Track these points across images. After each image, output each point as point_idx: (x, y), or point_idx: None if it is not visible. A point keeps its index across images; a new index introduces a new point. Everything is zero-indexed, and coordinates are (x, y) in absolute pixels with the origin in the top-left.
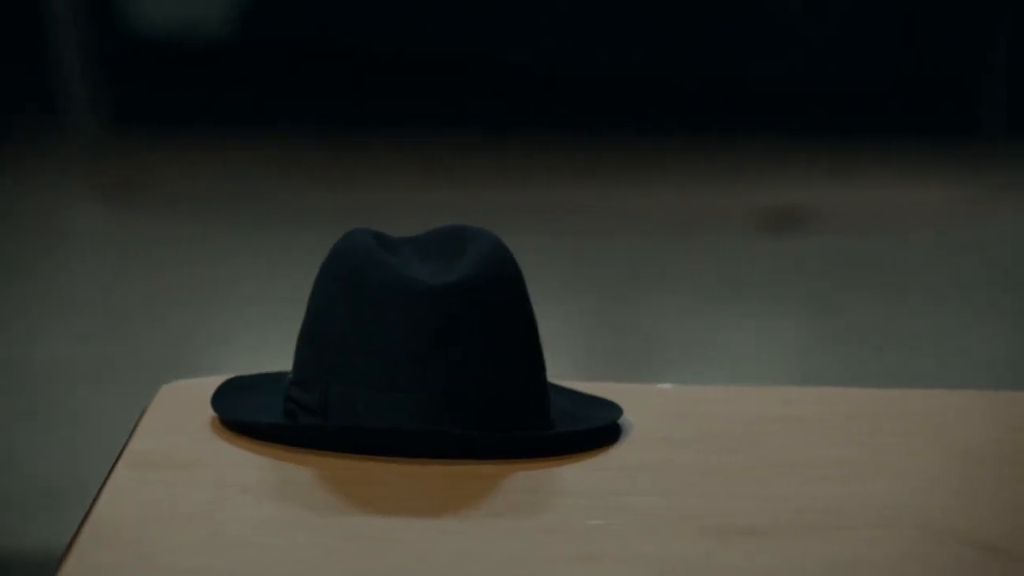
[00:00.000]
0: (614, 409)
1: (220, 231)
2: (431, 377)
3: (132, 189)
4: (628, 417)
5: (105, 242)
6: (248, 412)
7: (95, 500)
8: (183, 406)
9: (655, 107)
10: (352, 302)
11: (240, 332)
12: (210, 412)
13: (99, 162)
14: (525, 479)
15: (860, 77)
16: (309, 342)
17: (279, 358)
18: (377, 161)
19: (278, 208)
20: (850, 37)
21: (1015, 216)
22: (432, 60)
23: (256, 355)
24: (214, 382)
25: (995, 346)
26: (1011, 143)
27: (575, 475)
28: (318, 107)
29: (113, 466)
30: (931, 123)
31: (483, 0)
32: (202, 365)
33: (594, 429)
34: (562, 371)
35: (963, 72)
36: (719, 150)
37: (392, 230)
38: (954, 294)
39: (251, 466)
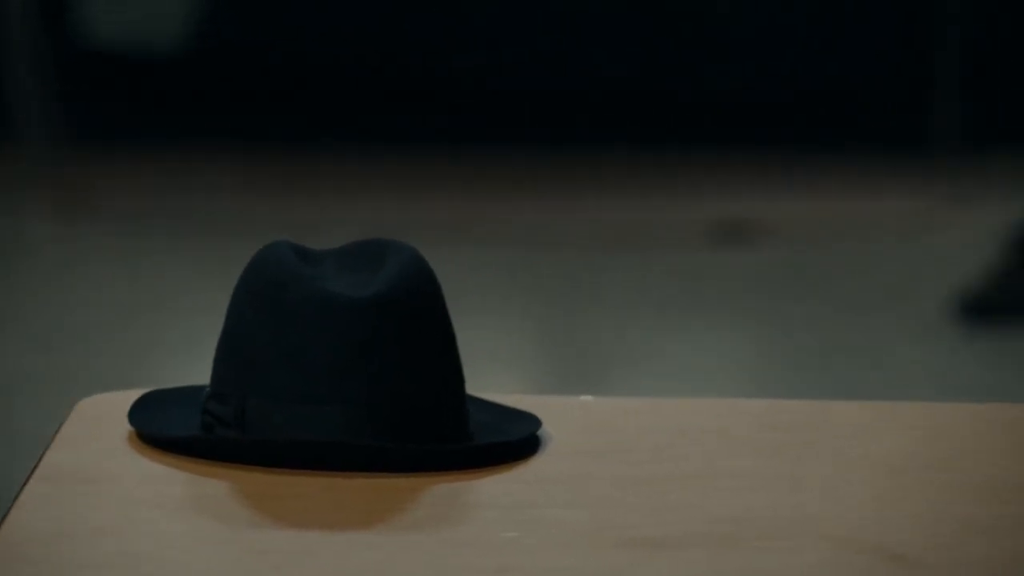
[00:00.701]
0: (533, 422)
1: (174, 244)
2: (348, 390)
3: (84, 202)
4: (547, 429)
5: (56, 255)
6: (165, 425)
7: (5, 515)
8: (100, 419)
9: (605, 119)
10: (270, 314)
11: (194, 345)
12: (127, 425)
13: (50, 174)
14: (441, 492)
15: (811, 88)
16: (227, 355)
17: None
18: (331, 175)
19: (232, 221)
20: (802, 49)
21: (967, 228)
22: (385, 74)
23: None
24: (133, 395)
25: (949, 358)
26: (964, 155)
27: (491, 488)
28: (274, 121)
29: (26, 480)
30: (883, 135)
31: (435, 15)
32: (152, 377)
33: (512, 441)
34: (509, 384)
35: (915, 84)
36: (670, 162)
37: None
38: (906, 306)
39: (166, 480)
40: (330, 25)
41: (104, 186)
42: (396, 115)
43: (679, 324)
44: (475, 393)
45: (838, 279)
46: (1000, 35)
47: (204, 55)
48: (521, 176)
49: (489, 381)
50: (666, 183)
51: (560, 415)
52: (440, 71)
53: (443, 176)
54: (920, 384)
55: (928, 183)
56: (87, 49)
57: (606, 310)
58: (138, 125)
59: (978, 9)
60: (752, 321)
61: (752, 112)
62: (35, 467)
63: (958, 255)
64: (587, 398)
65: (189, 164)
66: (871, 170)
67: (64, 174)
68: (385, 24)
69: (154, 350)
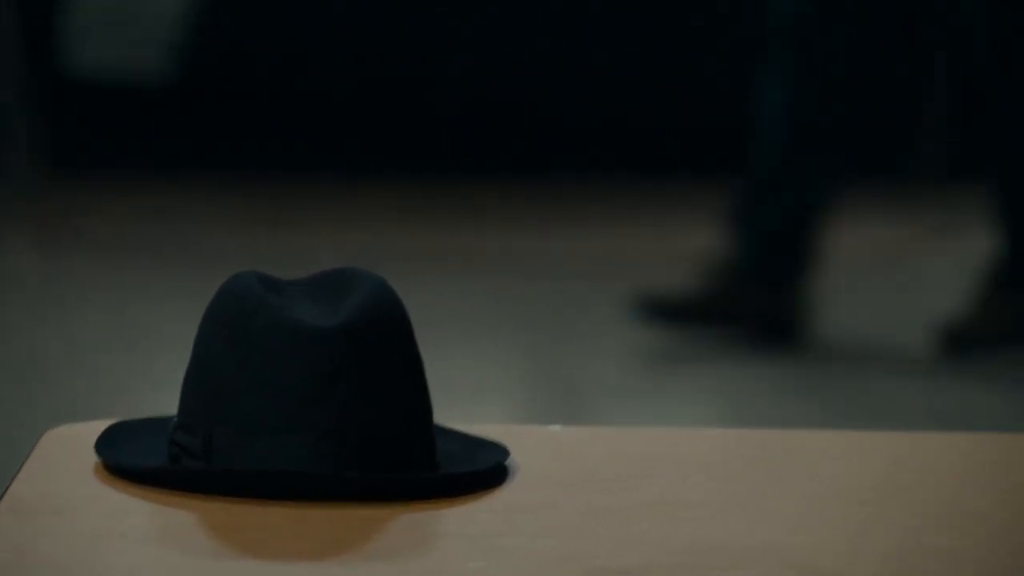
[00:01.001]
0: (501, 451)
1: (158, 275)
2: (315, 419)
3: (68, 233)
4: (516, 458)
5: (38, 284)
6: (132, 456)
7: None
8: (67, 450)
9: (589, 147)
10: (237, 344)
11: (178, 375)
12: (94, 456)
13: (32, 204)
14: (408, 521)
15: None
16: (194, 385)
17: None
18: (315, 205)
19: (215, 251)
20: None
21: (951, 257)
22: (366, 104)
23: None
24: (101, 426)
25: (931, 387)
26: (948, 183)
27: (458, 517)
28: (258, 151)
29: None
30: (868, 163)
31: (414, 48)
32: (134, 407)
33: (479, 471)
34: (494, 413)
35: (900, 112)
36: (653, 191)
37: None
38: (887, 336)
39: (131, 511)
40: (310, 59)
41: (87, 216)
42: (378, 145)
43: (660, 353)
44: (451, 422)
45: (819, 308)
46: (985, 64)
47: (188, 85)
48: (505, 204)
49: (474, 410)
50: (649, 211)
51: (529, 444)
52: (420, 101)
53: (426, 205)
54: (901, 413)
55: (915, 212)
56: (70, 80)
57: (591, 339)
58: (122, 155)
59: (964, 39)
60: (733, 350)
61: (733, 139)
62: (0, 498)
63: (941, 285)
64: (556, 427)
65: (172, 195)
66: (858, 198)
67: (47, 204)
68: (366, 58)
69: (137, 380)
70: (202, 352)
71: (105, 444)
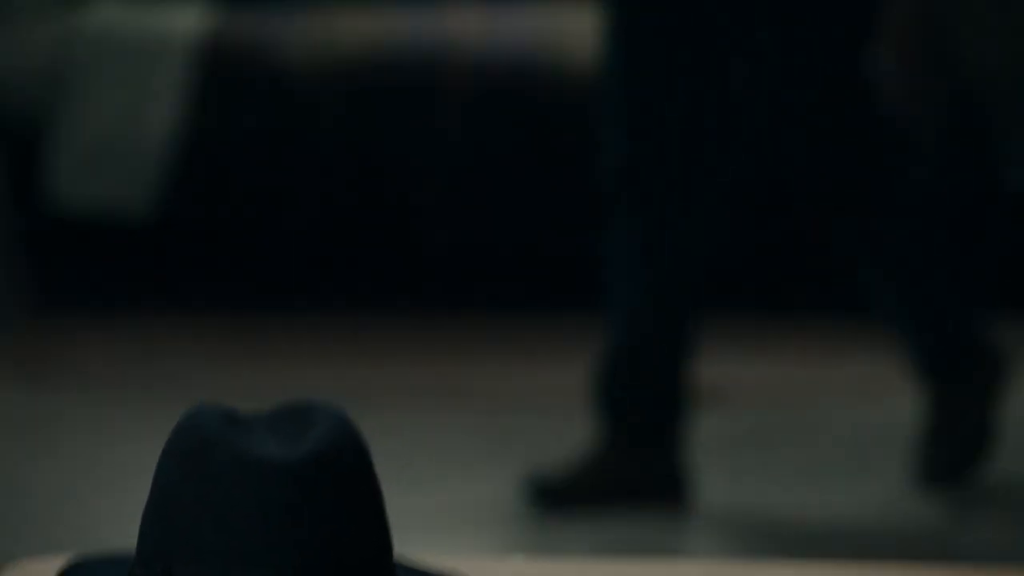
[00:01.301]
0: None
1: (142, 410)
2: (275, 555)
3: (51, 368)
4: None
5: (22, 424)
6: None
7: None
8: None
9: (563, 281)
10: (197, 478)
11: None
12: None
13: (18, 340)
14: None
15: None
16: (153, 519)
17: None
18: (298, 340)
19: (200, 388)
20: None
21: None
22: (353, 237)
23: None
24: (61, 561)
25: (907, 521)
26: None
27: None
28: (244, 287)
29: None
30: (844, 297)
31: (394, 182)
32: (106, 544)
33: None
34: (479, 544)
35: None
36: None
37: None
38: (866, 471)
39: None
40: (293, 195)
41: (72, 354)
42: (377, 279)
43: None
44: (417, 554)
45: (794, 443)
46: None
47: (174, 223)
48: (505, 338)
49: (444, 544)
50: None
51: None
52: (399, 236)
53: (426, 339)
54: (879, 547)
55: (893, 346)
56: (54, 217)
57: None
58: (106, 291)
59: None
60: (708, 484)
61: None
62: None
63: (915, 420)
64: (518, 558)
65: (157, 330)
66: (836, 333)
67: (30, 338)
68: (347, 193)
69: (112, 515)
70: (162, 486)
71: None
